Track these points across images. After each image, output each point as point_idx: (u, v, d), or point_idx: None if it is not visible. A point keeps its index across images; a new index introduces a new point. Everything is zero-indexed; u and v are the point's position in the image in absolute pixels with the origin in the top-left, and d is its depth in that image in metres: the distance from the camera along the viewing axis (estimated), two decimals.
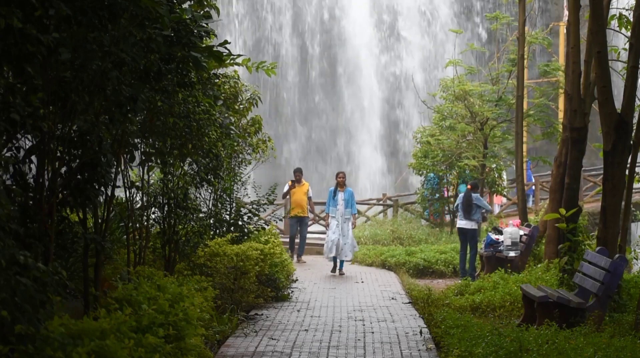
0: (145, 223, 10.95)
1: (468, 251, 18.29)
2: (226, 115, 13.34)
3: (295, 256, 21.39)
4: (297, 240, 21.96)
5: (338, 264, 19.05)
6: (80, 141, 7.42)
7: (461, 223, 18.28)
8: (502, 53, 25.73)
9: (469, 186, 18.71)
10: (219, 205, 14.77)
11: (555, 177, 16.53)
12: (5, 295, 5.38)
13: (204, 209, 14.00)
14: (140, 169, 10.72)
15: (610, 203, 12.39)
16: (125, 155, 9.54)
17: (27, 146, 7.05)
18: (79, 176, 7.62)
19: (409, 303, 14.46)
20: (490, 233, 18.18)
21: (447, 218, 26.21)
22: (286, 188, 21.81)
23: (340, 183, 19.35)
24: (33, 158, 7.08)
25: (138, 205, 10.80)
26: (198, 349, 8.52)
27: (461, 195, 18.61)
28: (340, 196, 19.23)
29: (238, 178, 15.56)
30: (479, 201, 18.30)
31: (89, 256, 8.29)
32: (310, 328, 11.77)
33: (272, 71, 12.08)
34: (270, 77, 12.57)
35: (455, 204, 18.69)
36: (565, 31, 20.98)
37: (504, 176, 26.38)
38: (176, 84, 9.05)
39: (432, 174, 26.00)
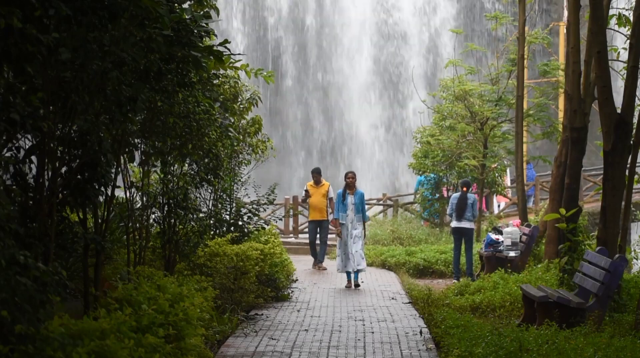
0: (145, 223, 10.95)
1: (462, 252, 18.29)
2: (226, 115, 13.36)
3: (317, 263, 20.30)
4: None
5: (352, 276, 16.86)
6: (80, 141, 7.42)
7: (455, 223, 18.13)
8: (502, 53, 25.71)
9: (464, 189, 18.50)
10: (219, 205, 14.77)
11: (555, 177, 16.54)
12: (5, 295, 5.38)
13: (204, 209, 14.00)
14: (141, 169, 10.72)
15: (610, 203, 12.39)
16: (125, 155, 9.54)
17: (28, 146, 7.05)
18: (79, 176, 7.62)
19: (409, 303, 14.46)
20: (490, 233, 18.17)
21: (448, 218, 26.18)
22: (303, 192, 20.57)
23: (350, 184, 17.18)
24: (33, 158, 7.08)
25: (138, 205, 10.81)
26: (198, 349, 8.52)
27: (455, 195, 18.48)
28: (350, 199, 17.08)
29: (238, 178, 15.56)
30: (474, 202, 18.21)
31: (89, 256, 8.29)
32: (310, 328, 11.77)
33: (271, 79, 12.23)
34: (269, 84, 12.75)
35: (450, 206, 18.40)
36: (565, 31, 20.98)
37: (508, 174, 26.36)
38: (176, 84, 9.05)
39: (432, 175, 25.93)
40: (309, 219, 20.73)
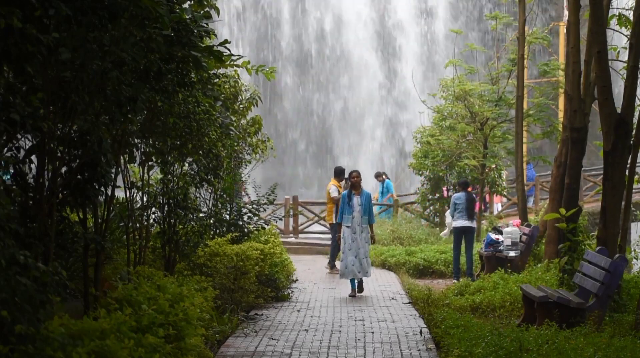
0: (145, 223, 10.95)
1: (462, 252, 18.31)
2: (227, 114, 13.36)
3: (333, 264, 19.51)
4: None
5: (357, 282, 15.81)
6: (80, 141, 7.43)
7: (464, 222, 18.08)
8: (502, 53, 25.70)
9: (469, 189, 18.64)
10: (219, 205, 14.77)
11: (555, 177, 16.54)
12: (5, 295, 5.38)
13: (204, 209, 13.99)
14: (141, 169, 10.73)
15: (610, 203, 12.39)
16: (125, 155, 9.54)
17: (28, 146, 7.05)
18: (79, 176, 7.62)
19: (409, 303, 14.46)
20: (490, 233, 18.17)
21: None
22: (334, 190, 19.52)
23: (356, 184, 15.94)
24: (33, 158, 7.08)
25: (138, 205, 10.81)
26: (198, 349, 8.52)
27: (458, 195, 18.43)
28: (356, 201, 15.78)
29: (238, 177, 15.56)
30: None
31: (89, 256, 8.29)
32: (310, 328, 11.77)
33: (272, 75, 12.22)
34: (270, 81, 12.76)
35: (453, 206, 18.36)
36: (565, 31, 20.98)
37: (503, 176, 26.42)
38: (176, 84, 9.06)
39: (388, 181, 26.67)
40: (331, 222, 19.59)
